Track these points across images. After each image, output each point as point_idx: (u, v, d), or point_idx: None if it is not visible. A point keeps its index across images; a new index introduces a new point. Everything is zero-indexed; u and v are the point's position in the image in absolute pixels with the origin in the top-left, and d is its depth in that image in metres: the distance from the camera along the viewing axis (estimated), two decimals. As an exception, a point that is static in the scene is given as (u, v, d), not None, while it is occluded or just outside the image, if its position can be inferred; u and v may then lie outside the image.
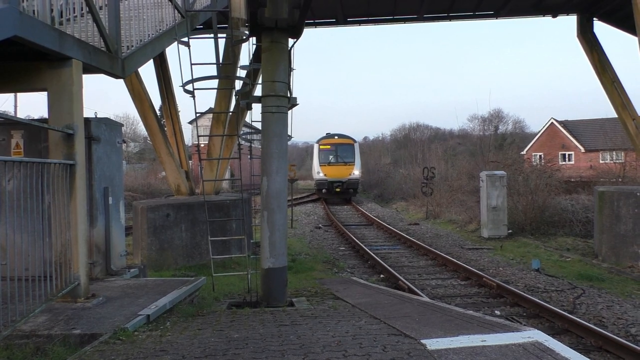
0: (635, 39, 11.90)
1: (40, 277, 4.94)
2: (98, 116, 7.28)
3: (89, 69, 6.06)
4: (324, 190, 31.23)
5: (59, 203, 5.35)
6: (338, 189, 31.19)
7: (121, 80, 7.94)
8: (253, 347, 4.55)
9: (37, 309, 4.77)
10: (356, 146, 33.20)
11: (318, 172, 32.02)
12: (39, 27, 4.95)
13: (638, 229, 11.47)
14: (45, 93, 5.68)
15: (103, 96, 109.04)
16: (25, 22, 4.74)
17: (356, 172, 31.94)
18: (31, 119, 7.28)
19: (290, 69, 8.03)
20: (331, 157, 32.11)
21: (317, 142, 33.61)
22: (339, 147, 32.35)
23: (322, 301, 7.45)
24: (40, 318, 5.09)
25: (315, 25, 16.48)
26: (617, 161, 26.68)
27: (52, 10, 5.30)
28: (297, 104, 8.14)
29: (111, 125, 7.45)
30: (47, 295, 5.02)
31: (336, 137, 33.07)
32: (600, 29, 22.71)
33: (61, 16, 5.61)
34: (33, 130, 6.48)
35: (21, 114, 35.65)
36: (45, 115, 5.86)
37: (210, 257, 8.20)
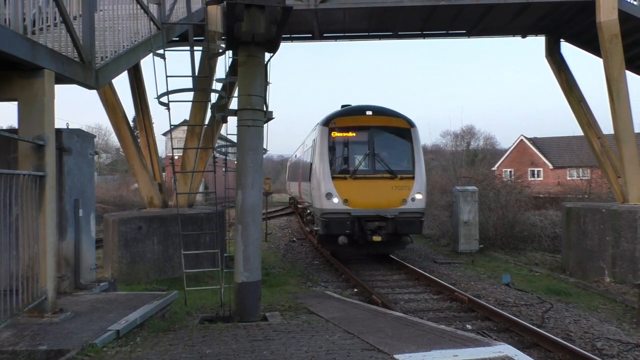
0: (600, 60, 12.37)
1: (5, 291, 4.81)
2: (70, 127, 7.18)
3: (61, 79, 5.98)
4: (341, 238, 13.04)
5: (27, 215, 5.24)
6: (378, 237, 12.89)
7: (94, 91, 7.85)
8: (225, 363, 4.51)
9: (1, 324, 4.64)
10: (415, 133, 13.98)
11: (328, 193, 13.10)
12: (11, 36, 4.88)
13: (604, 245, 11.78)
14: (16, 103, 5.58)
15: (76, 106, 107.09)
16: (-3, 31, 4.66)
17: (419, 197, 13.42)
18: (0, 129, 7.11)
19: (266, 83, 8.05)
20: (358, 158, 13.74)
21: (324, 123, 13.91)
22: (376, 135, 13.75)
23: (296, 316, 7.41)
24: (5, 333, 4.94)
25: (292, 39, 16.60)
26: (584, 178, 27.46)
27: (24, 20, 5.24)
28: (273, 118, 8.15)
29: (83, 137, 7.35)
30: (12, 310, 4.88)
31: (369, 113, 13.94)
32: (568, 49, 23.49)
33: (34, 25, 5.54)
34: (2, 140, 6.31)
35: (-12, 123, 34.74)
36: (15, 124, 5.75)
37: (183, 271, 8.10)
